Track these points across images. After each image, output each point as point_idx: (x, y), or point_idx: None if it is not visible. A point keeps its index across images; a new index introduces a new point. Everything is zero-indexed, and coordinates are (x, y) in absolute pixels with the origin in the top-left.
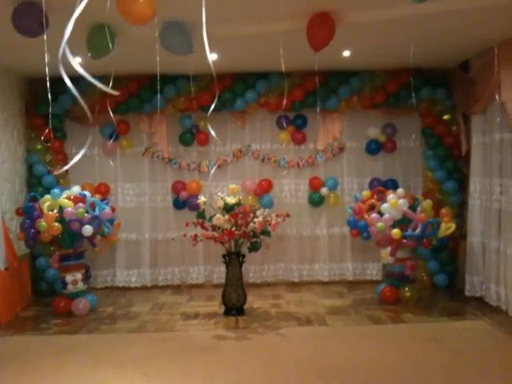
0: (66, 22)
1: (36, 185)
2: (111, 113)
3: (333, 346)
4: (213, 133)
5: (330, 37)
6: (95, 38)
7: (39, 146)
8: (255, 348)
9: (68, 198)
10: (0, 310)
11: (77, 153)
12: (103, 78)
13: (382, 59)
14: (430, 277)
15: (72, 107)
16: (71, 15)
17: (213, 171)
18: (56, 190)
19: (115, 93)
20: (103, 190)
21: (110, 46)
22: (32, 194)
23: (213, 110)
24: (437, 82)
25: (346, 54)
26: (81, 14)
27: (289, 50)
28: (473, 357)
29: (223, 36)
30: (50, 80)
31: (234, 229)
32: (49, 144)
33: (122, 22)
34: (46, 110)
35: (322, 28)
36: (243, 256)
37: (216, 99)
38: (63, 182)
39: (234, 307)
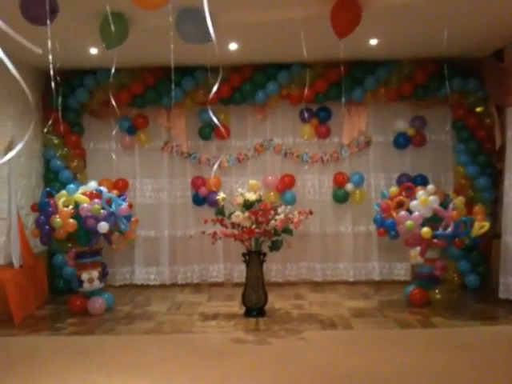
0: (76, 10)
1: (53, 180)
2: (115, 106)
3: (357, 352)
4: (216, 120)
5: (355, 22)
6: (107, 27)
7: (56, 141)
8: (275, 353)
9: (84, 193)
10: (14, 308)
11: (94, 147)
12: (121, 70)
13: (411, 48)
14: (460, 278)
15: (89, 101)
16: (81, 4)
17: (216, 166)
18: (72, 186)
19: (39, 50)
20: (121, 186)
21: (121, 34)
22: (48, 189)
23: (233, 103)
24: (468, 72)
25: (373, 42)
26: (94, 3)
27: (312, 39)
28: (507, 364)
29: (243, 23)
30: (66, 73)
31: (254, 227)
32: (56, 138)
33: (136, 10)
34: (63, 103)
35: (347, 13)
36: (264, 255)
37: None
38: (80, 177)
39: (255, 308)
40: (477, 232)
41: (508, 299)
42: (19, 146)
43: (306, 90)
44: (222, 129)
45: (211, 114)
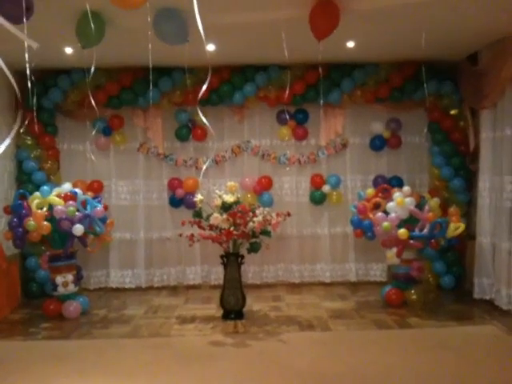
0: (51, 9)
1: (26, 181)
2: (95, 106)
3: (336, 354)
4: (205, 120)
5: (334, 24)
6: (84, 26)
7: (29, 142)
8: (255, 355)
9: (58, 195)
10: None
11: (68, 148)
12: (97, 70)
13: (387, 51)
14: (436, 278)
15: (63, 101)
16: (56, 2)
17: (205, 167)
18: (45, 188)
19: (35, 45)
20: (96, 188)
21: (99, 33)
22: (21, 191)
23: (210, 104)
24: (444, 76)
25: (351, 44)
26: (70, 2)
27: (290, 41)
28: (483, 364)
29: (220, 25)
30: (41, 73)
31: (232, 229)
32: (29, 139)
33: (113, 9)
34: (37, 103)
35: (325, 15)
36: (242, 257)
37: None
38: (54, 178)
39: (233, 310)
40: (452, 233)
41: (483, 299)
42: (3, 147)
43: (287, 91)
44: (211, 129)
45: (200, 113)
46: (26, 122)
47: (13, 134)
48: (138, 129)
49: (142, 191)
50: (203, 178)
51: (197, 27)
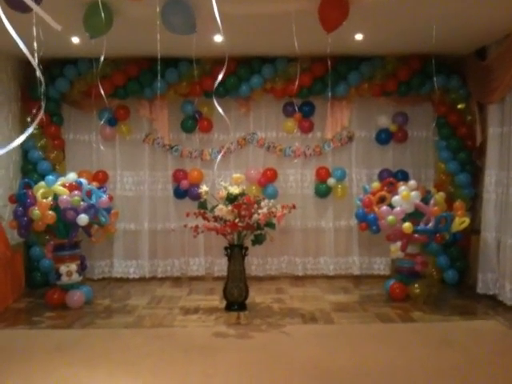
0: None
1: (31, 171)
2: (103, 95)
3: (339, 347)
4: (220, 110)
5: (343, 17)
6: (92, 16)
7: (35, 131)
8: (257, 347)
9: (63, 185)
10: None
11: (74, 138)
12: (103, 60)
13: (395, 44)
14: (439, 273)
15: (69, 91)
16: None
17: (219, 158)
18: (51, 177)
19: (58, 27)
20: (101, 178)
21: (107, 23)
22: (26, 180)
23: (216, 96)
24: (451, 70)
25: (359, 37)
26: None
27: (298, 33)
28: (486, 360)
29: (228, 16)
30: (46, 62)
31: (237, 220)
32: (35, 128)
33: None
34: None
35: (335, 7)
36: (246, 249)
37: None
38: (59, 168)
39: (236, 302)
40: (457, 227)
41: (486, 294)
42: (21, 139)
43: (296, 83)
44: (228, 120)
45: (216, 103)
46: (40, 113)
47: (31, 128)
48: (144, 120)
49: (147, 182)
50: (208, 170)
51: (204, 18)
